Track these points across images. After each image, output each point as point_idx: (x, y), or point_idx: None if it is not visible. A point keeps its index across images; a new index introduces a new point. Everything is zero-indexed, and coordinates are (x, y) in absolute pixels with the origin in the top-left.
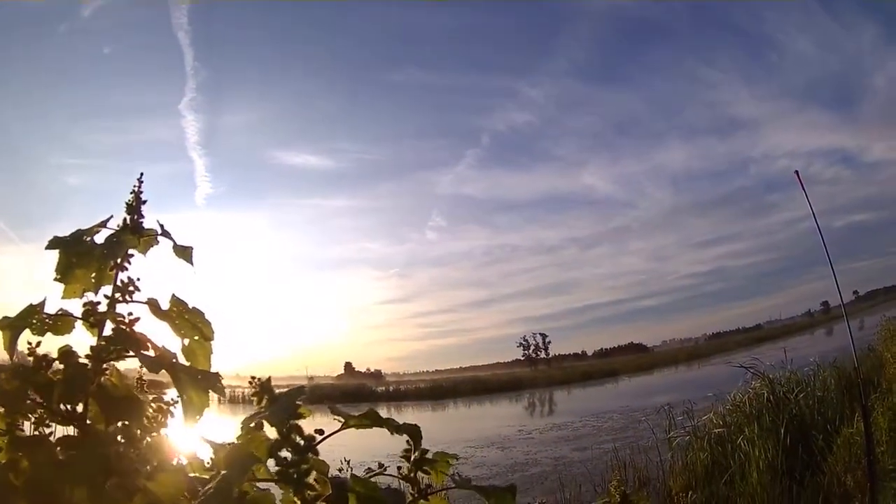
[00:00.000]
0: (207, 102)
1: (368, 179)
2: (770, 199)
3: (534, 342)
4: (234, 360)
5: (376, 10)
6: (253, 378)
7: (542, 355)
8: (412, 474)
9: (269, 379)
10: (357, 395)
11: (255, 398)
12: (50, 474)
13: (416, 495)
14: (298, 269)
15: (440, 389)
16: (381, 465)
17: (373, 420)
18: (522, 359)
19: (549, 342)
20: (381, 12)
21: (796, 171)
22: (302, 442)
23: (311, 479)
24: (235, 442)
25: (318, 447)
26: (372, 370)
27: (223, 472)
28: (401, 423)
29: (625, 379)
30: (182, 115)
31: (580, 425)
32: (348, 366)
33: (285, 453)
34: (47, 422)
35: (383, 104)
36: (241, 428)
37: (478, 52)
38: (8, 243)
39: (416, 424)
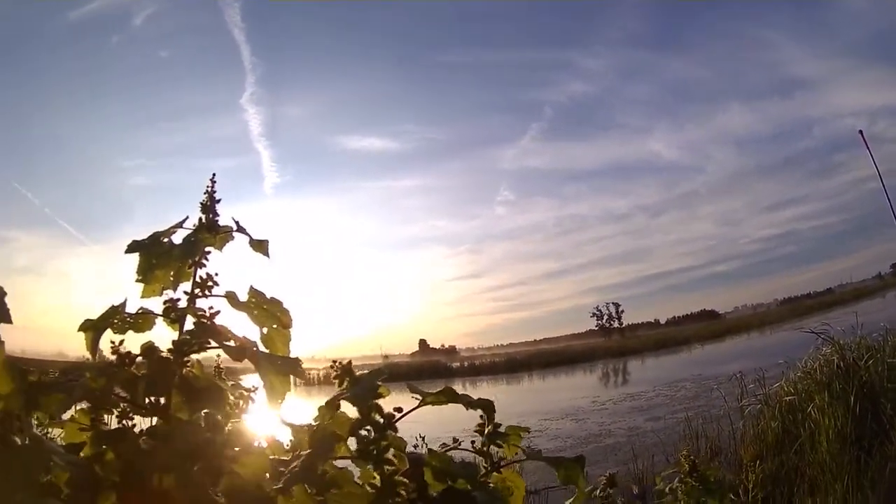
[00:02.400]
0: (268, 95)
1: (434, 158)
2: (836, 160)
3: (607, 312)
4: (309, 343)
5: None
6: (334, 361)
7: (616, 325)
8: (485, 448)
9: (349, 362)
10: (432, 372)
11: (336, 380)
12: (141, 463)
13: (488, 468)
14: (370, 251)
15: (514, 363)
16: (455, 440)
17: (448, 396)
18: (596, 329)
19: (623, 311)
20: None
21: (860, 131)
22: (381, 420)
23: (389, 455)
24: (313, 424)
25: (396, 424)
26: (446, 346)
27: (308, 451)
28: (475, 398)
29: (697, 347)
30: (244, 110)
31: (653, 395)
32: (423, 343)
33: (365, 431)
34: (130, 414)
35: (444, 84)
36: (319, 410)
37: (532, 26)
38: (78, 245)
39: (489, 399)
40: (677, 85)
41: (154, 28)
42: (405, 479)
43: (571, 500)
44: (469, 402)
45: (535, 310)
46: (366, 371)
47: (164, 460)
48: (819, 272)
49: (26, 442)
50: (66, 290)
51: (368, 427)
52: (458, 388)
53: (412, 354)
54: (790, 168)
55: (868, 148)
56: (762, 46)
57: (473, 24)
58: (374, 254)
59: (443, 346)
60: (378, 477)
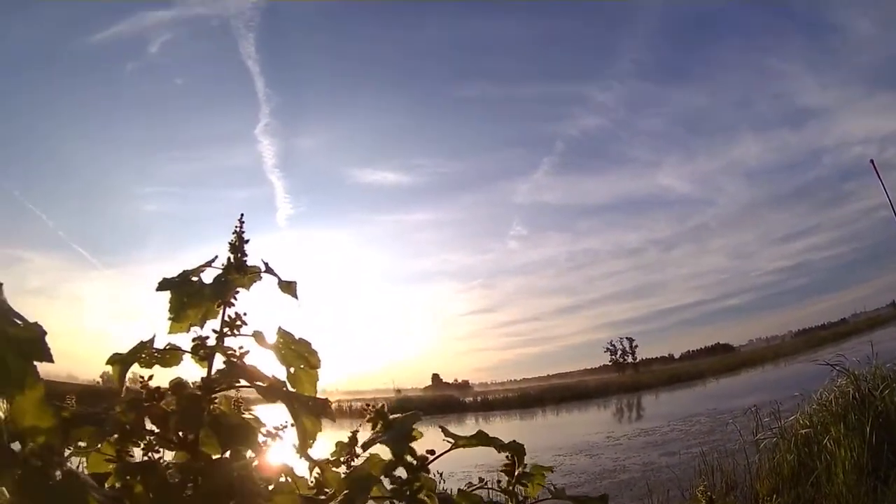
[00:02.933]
0: (282, 127)
1: (447, 192)
2: (847, 188)
3: (621, 347)
4: (322, 376)
5: (441, 27)
6: (368, 405)
7: (630, 360)
8: (510, 487)
9: (383, 406)
10: (445, 407)
11: (370, 423)
12: (174, 498)
13: None
14: (383, 284)
15: (528, 398)
16: (481, 480)
17: (481, 440)
18: (610, 364)
19: (637, 346)
20: (445, 29)
21: (871, 161)
22: (414, 462)
23: (422, 496)
24: (331, 459)
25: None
26: (459, 381)
27: (345, 491)
28: (506, 441)
29: (712, 380)
30: (258, 141)
31: (668, 430)
32: (436, 377)
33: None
34: (156, 447)
35: (456, 118)
36: (336, 445)
37: (542, 61)
38: (90, 269)
39: (520, 443)
40: (688, 117)
41: (169, 56)
42: None
43: None
44: (501, 446)
45: (548, 345)
46: (399, 415)
47: (198, 497)
48: (833, 302)
49: (60, 476)
50: (77, 314)
51: (401, 468)
52: (471, 423)
53: (425, 389)
54: (801, 198)
55: (879, 177)
56: (770, 77)
57: (486, 59)
58: (387, 287)
59: (456, 380)
60: None
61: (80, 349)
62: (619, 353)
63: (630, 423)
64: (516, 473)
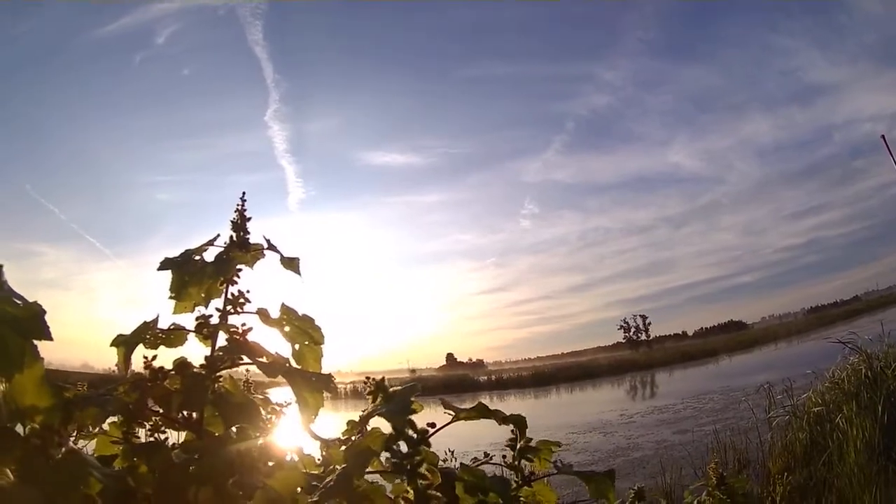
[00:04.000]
0: (292, 112)
1: (457, 173)
2: (858, 165)
3: (634, 324)
4: (336, 357)
5: (448, 8)
6: (368, 378)
7: (643, 337)
8: (516, 462)
9: (383, 378)
10: (459, 386)
11: (370, 396)
12: (177, 477)
13: (519, 482)
14: (396, 265)
15: (542, 376)
16: (486, 455)
17: (481, 412)
18: (624, 341)
19: (650, 323)
20: (450, 9)
21: (882, 136)
22: (415, 435)
23: (423, 470)
24: (342, 438)
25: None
26: (473, 360)
27: (343, 466)
28: (507, 413)
29: (725, 358)
30: (268, 126)
31: (681, 407)
32: (450, 357)
33: (399, 446)
34: (162, 428)
35: (464, 98)
36: (347, 424)
37: (549, 40)
38: (103, 260)
39: (521, 415)
40: (697, 95)
41: (177, 46)
42: (438, 493)
43: None
44: (502, 418)
45: (561, 323)
46: (398, 387)
47: (199, 474)
48: (845, 280)
49: (61, 455)
50: (91, 304)
51: (402, 442)
52: (486, 401)
53: (439, 368)
54: (812, 176)
55: (890, 152)
56: (778, 54)
57: (494, 39)
58: (400, 268)
59: (470, 359)
60: (412, 491)
61: (94, 338)
62: (633, 330)
63: (643, 400)
64: (518, 447)
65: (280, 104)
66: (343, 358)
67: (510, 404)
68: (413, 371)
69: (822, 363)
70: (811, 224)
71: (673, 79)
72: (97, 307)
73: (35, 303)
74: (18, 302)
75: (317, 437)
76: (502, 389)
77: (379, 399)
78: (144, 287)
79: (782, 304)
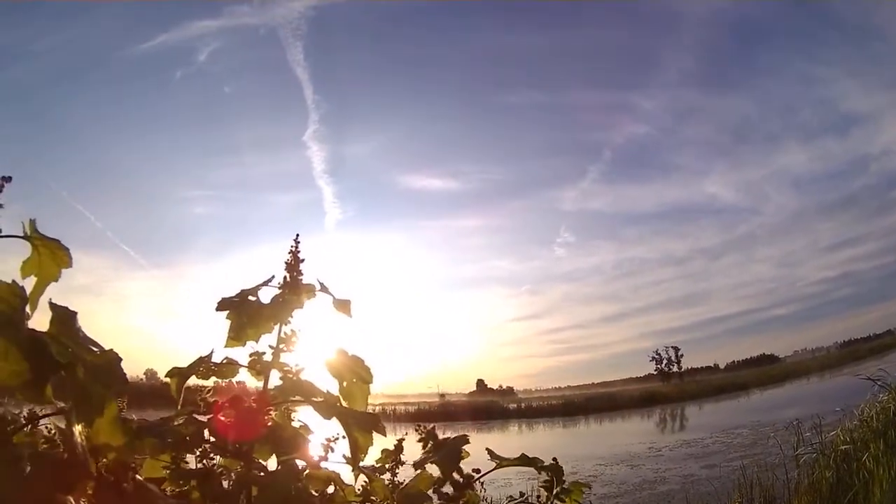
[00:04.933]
0: (331, 133)
1: (494, 199)
2: (894, 196)
3: (666, 356)
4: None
5: (487, 36)
6: (420, 425)
7: (675, 369)
8: (548, 502)
9: (433, 427)
10: (489, 412)
11: (421, 442)
12: None
13: None
14: (430, 289)
15: (572, 406)
16: (521, 494)
17: (522, 461)
18: (655, 373)
19: (682, 355)
20: (489, 36)
21: None
22: (461, 479)
23: None
24: (376, 465)
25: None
26: (504, 387)
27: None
28: (545, 462)
29: (756, 392)
30: (307, 147)
31: (710, 441)
32: (480, 383)
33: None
34: (210, 455)
35: (502, 125)
36: (382, 453)
37: (588, 70)
38: (138, 269)
39: (558, 465)
40: (734, 125)
41: (218, 64)
42: None
43: None
44: (541, 467)
45: (593, 353)
46: (449, 437)
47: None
48: (879, 313)
49: (133, 487)
50: (122, 312)
51: (449, 484)
52: (515, 429)
53: (469, 394)
54: (848, 207)
55: None
56: (814, 83)
57: (532, 67)
58: (435, 292)
59: (500, 386)
60: None
61: (124, 346)
62: (665, 362)
63: (672, 433)
64: (555, 492)
65: (319, 125)
66: (375, 380)
67: (539, 434)
68: (443, 396)
69: (851, 399)
70: (846, 256)
71: (710, 108)
72: (129, 315)
73: (111, 351)
74: (95, 349)
75: (364, 473)
76: (531, 418)
77: (429, 446)
78: (179, 298)
79: (815, 338)
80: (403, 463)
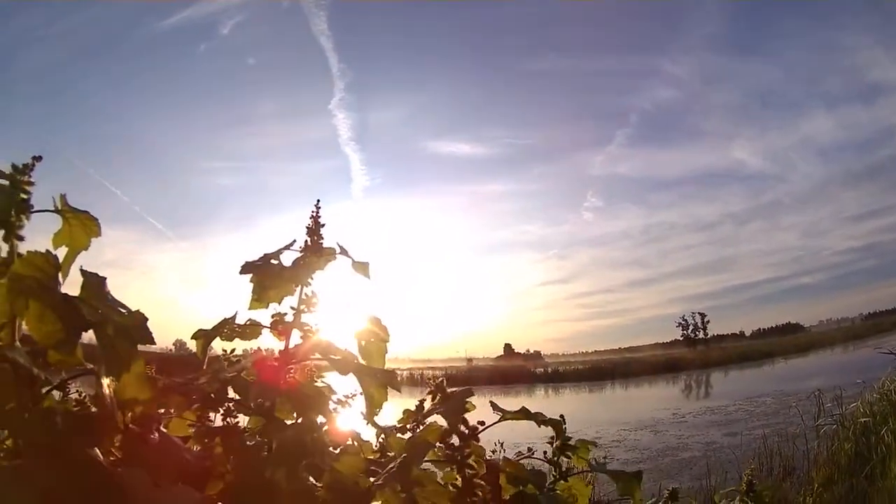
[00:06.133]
0: (357, 101)
1: (521, 164)
2: None
3: (693, 322)
4: (394, 344)
5: (510, 2)
6: (431, 378)
7: (701, 335)
8: (555, 458)
9: (443, 380)
10: (516, 377)
11: (430, 395)
12: (255, 458)
13: (557, 476)
14: (458, 254)
15: (598, 370)
16: (529, 450)
17: (524, 415)
18: (681, 339)
19: (708, 322)
20: (515, 2)
21: None
22: (466, 431)
23: (471, 461)
24: (397, 425)
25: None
26: (531, 351)
27: (403, 455)
28: (547, 416)
29: (780, 361)
30: (333, 115)
31: (733, 409)
32: (507, 347)
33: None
34: (234, 413)
35: (529, 90)
36: (404, 413)
37: (613, 34)
38: (165, 242)
39: (558, 419)
40: (760, 91)
41: (241, 37)
42: (483, 482)
43: None
44: (542, 421)
45: (620, 317)
46: (456, 389)
47: (276, 457)
48: None
49: (157, 438)
50: (151, 284)
51: (455, 436)
52: (541, 394)
53: (496, 358)
54: (874, 177)
55: None
56: (841, 51)
57: (558, 32)
58: (462, 257)
59: (528, 350)
60: (459, 479)
61: (153, 317)
62: (691, 328)
63: (697, 400)
64: (555, 445)
65: (345, 93)
66: (399, 345)
67: (564, 398)
68: (470, 360)
69: (873, 373)
70: (871, 227)
71: (736, 74)
72: (157, 287)
73: (138, 311)
74: (123, 311)
75: (379, 428)
76: (558, 382)
77: (437, 398)
78: (206, 269)
79: (840, 308)
80: (424, 424)
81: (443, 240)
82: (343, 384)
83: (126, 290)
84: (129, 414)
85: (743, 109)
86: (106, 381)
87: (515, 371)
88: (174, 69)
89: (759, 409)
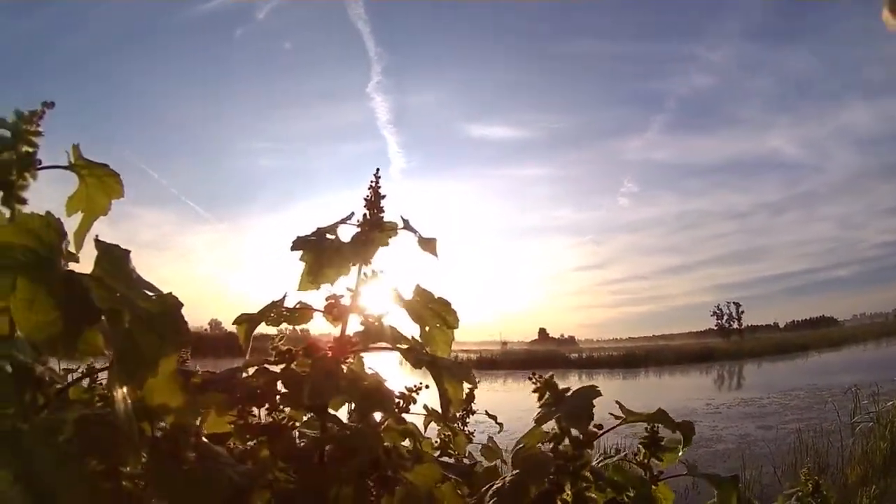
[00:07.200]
0: (394, 84)
1: (557, 148)
2: None
3: (727, 311)
4: None
5: None
6: (533, 373)
7: (735, 326)
8: (646, 461)
9: (552, 376)
10: (549, 362)
11: (537, 392)
12: (315, 472)
13: (647, 481)
14: (494, 237)
15: (632, 358)
16: (617, 451)
17: (656, 419)
18: (715, 328)
19: (743, 312)
20: None
21: None
22: (581, 436)
23: (586, 472)
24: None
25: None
26: (566, 336)
27: (516, 472)
28: (678, 420)
29: (814, 354)
30: (371, 98)
31: (767, 402)
32: (542, 331)
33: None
34: (280, 407)
35: (565, 74)
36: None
37: (651, 20)
38: (202, 223)
39: (691, 423)
40: (797, 79)
41: (277, 21)
42: (595, 496)
43: None
44: (674, 425)
45: (654, 304)
46: (577, 388)
47: (339, 468)
48: None
49: (196, 457)
50: (188, 264)
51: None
52: (574, 379)
53: (531, 342)
54: None
55: None
56: (879, 40)
57: (596, 17)
58: (498, 240)
59: (562, 335)
60: (571, 495)
61: (188, 296)
62: (725, 318)
63: (730, 391)
64: (651, 445)
65: (382, 76)
66: None
67: (598, 385)
68: (504, 344)
69: None
70: None
71: (773, 62)
72: (194, 267)
73: (170, 294)
74: (151, 294)
75: (450, 427)
76: (592, 368)
77: (546, 396)
78: (244, 249)
79: (874, 302)
80: (474, 412)
81: (478, 222)
82: (386, 369)
83: (162, 271)
84: (159, 424)
85: (779, 98)
86: (122, 389)
87: (550, 356)
88: (211, 54)
89: (793, 403)
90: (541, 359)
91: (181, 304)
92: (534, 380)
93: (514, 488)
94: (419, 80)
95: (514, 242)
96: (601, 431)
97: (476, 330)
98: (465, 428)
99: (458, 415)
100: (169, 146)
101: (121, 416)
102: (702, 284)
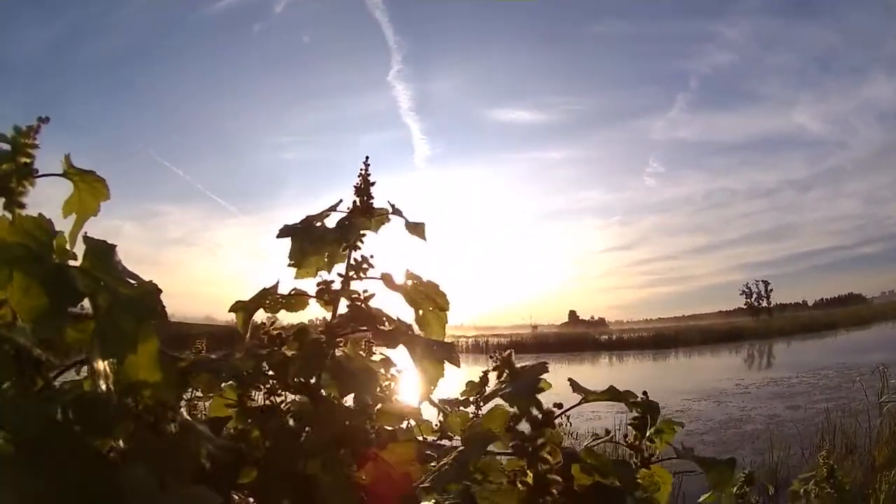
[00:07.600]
0: (415, 72)
1: (581, 129)
2: None
3: (756, 290)
4: (458, 312)
5: None
6: (496, 352)
7: (764, 304)
8: (636, 442)
9: (510, 353)
10: (580, 344)
11: (496, 371)
12: (288, 444)
13: (638, 464)
14: (522, 221)
15: (662, 339)
16: (607, 432)
17: (611, 395)
18: (745, 307)
19: (772, 290)
20: None
21: None
22: (540, 416)
23: (545, 453)
24: (460, 398)
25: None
26: (595, 318)
27: (460, 447)
28: (638, 397)
29: (843, 332)
30: (392, 87)
31: (796, 381)
32: (572, 314)
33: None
34: (278, 391)
35: (586, 56)
36: (467, 385)
37: None
38: (229, 217)
39: (655, 402)
40: (818, 54)
41: (295, 15)
42: (558, 478)
43: (706, 497)
44: (633, 403)
45: (683, 284)
46: (526, 364)
47: (311, 443)
48: None
49: (175, 429)
50: (215, 259)
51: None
52: (605, 361)
53: (561, 325)
54: None
55: None
56: None
57: None
58: (525, 224)
59: (592, 317)
60: (531, 475)
61: (218, 291)
62: (754, 296)
63: (759, 370)
64: (648, 433)
65: (402, 65)
66: (465, 313)
67: (628, 366)
68: (535, 327)
69: None
70: None
71: (794, 37)
72: (222, 262)
73: (150, 282)
74: (133, 282)
75: (435, 405)
76: (622, 350)
77: (504, 375)
78: (271, 242)
79: None
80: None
81: (505, 207)
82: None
83: (190, 266)
84: (143, 400)
85: (801, 74)
86: (101, 364)
87: (580, 338)
88: (231, 51)
89: (822, 383)
90: (571, 341)
91: (160, 290)
92: (494, 357)
93: (456, 467)
94: (440, 66)
95: (541, 226)
96: (560, 411)
97: (507, 314)
98: (480, 411)
99: (471, 399)
100: (193, 143)
101: (100, 386)
102: (730, 263)
